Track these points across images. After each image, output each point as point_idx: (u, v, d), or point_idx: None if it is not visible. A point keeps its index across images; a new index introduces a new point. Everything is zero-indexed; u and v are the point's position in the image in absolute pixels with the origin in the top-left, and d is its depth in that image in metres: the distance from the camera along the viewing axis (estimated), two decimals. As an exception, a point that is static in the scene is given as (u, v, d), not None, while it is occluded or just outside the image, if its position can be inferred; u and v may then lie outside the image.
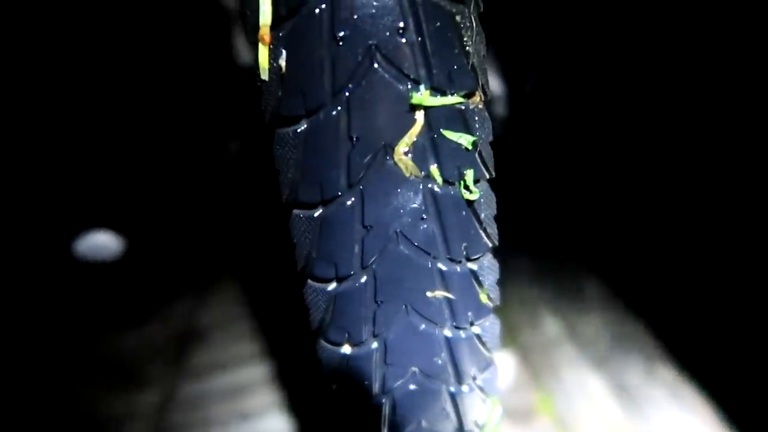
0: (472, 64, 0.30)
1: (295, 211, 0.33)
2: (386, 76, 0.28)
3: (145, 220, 0.91)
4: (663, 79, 1.03)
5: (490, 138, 0.33)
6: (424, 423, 0.39)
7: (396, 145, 0.30)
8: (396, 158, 0.30)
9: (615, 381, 0.71)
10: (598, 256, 0.96)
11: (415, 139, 0.30)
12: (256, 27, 0.29)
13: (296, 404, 0.76)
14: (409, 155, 0.30)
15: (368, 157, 0.30)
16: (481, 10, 0.31)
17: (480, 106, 0.31)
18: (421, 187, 0.31)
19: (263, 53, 0.29)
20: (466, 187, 0.32)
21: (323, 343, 0.37)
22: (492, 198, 0.34)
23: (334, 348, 0.37)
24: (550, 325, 0.83)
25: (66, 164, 0.87)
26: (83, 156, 0.88)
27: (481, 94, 0.31)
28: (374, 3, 0.27)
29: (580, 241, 1.01)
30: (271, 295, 1.02)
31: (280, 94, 0.30)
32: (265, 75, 0.30)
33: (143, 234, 0.87)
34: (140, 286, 0.99)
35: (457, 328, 0.36)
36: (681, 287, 0.83)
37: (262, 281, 1.07)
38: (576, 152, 1.22)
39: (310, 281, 0.35)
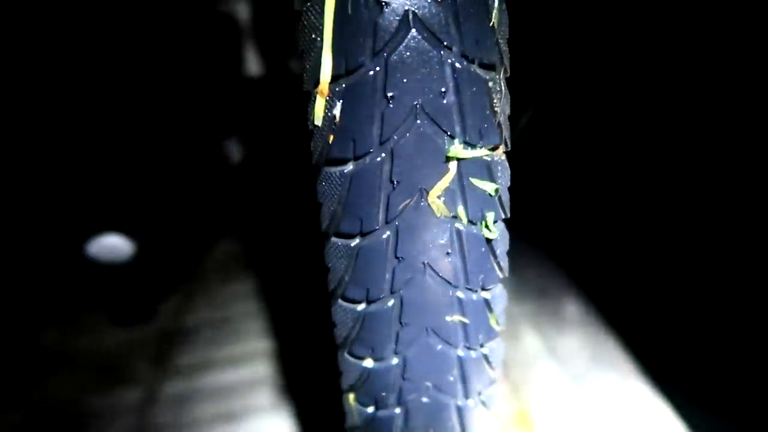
0: (499, 122, 0.35)
1: (334, 239, 0.37)
2: (427, 131, 0.33)
3: (151, 225, 0.94)
4: (651, 117, 1.08)
5: (509, 184, 0.38)
6: (431, 432, 0.43)
7: (431, 189, 0.34)
8: (430, 200, 0.35)
9: (592, 397, 0.75)
10: (578, 276, 1.01)
11: (447, 185, 0.34)
12: (316, 81, 0.33)
13: (281, 407, 0.78)
14: (441, 199, 0.35)
15: (406, 199, 0.34)
16: (509, 75, 0.36)
17: (503, 157, 0.36)
18: (448, 226, 0.35)
19: (320, 103, 0.34)
20: (487, 227, 0.36)
21: (346, 356, 0.41)
22: (506, 236, 0.39)
23: (357, 361, 0.41)
24: (531, 342, 0.87)
25: (82, 173, 0.90)
26: (98, 165, 0.90)
27: (504, 147, 0.36)
28: (421, 70, 0.32)
29: (560, 261, 1.05)
30: (258, 298, 1.05)
31: (331, 138, 0.34)
32: (319, 121, 0.34)
33: (149, 238, 0.90)
34: (138, 287, 1.01)
35: (469, 348, 0.40)
36: (657, 307, 0.88)
37: (251, 284, 1.09)
38: (556, 175, 1.27)
39: (340, 301, 0.39)
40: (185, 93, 1.08)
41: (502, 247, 0.38)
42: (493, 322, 0.40)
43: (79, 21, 0.89)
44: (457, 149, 0.33)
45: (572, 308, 0.93)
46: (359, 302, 0.38)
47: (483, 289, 0.38)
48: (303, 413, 0.77)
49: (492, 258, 0.38)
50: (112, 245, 0.82)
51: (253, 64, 1.24)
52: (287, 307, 1.00)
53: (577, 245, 1.08)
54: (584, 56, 1.10)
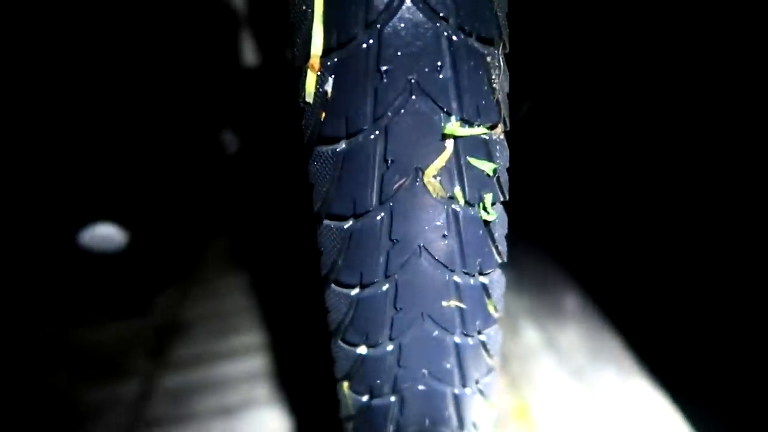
0: (497, 99, 0.34)
1: (326, 222, 0.36)
2: (422, 107, 0.32)
3: (144, 215, 0.93)
4: (652, 108, 1.07)
5: (507, 165, 0.36)
6: (427, 422, 0.42)
7: (426, 168, 0.33)
8: (425, 180, 0.33)
9: (590, 391, 0.75)
10: (577, 271, 1.00)
11: (444, 164, 0.33)
12: (307, 56, 0.32)
13: (278, 400, 0.78)
14: (438, 178, 0.33)
15: (400, 179, 0.33)
16: (507, 51, 0.34)
17: (501, 136, 0.35)
18: (445, 207, 0.34)
19: (311, 79, 0.32)
20: (485, 209, 0.35)
21: (340, 343, 0.40)
22: (505, 219, 0.38)
23: (351, 348, 0.40)
24: (530, 335, 0.87)
25: (75, 162, 0.89)
26: (92, 154, 0.90)
27: (503, 126, 0.35)
28: (416, 43, 0.31)
29: (560, 256, 1.05)
30: (256, 291, 1.04)
31: (323, 116, 0.33)
32: (310, 98, 0.33)
33: (142, 227, 0.89)
34: (134, 279, 1.01)
35: (466, 335, 0.39)
36: (657, 300, 0.87)
37: (248, 277, 1.09)
38: (556, 169, 1.26)
39: (333, 286, 0.38)
40: (181, 82, 1.07)
41: (500, 230, 0.37)
42: (491, 308, 0.39)
43: (72, 11, 0.88)
44: (453, 127, 0.32)
45: (571, 302, 0.92)
46: (353, 287, 0.37)
47: (481, 273, 0.37)
48: (301, 406, 0.77)
49: (490, 241, 0.37)
50: (105, 234, 0.81)
51: (249, 54, 1.23)
52: (285, 300, 0.99)
53: (576, 238, 1.08)
54: (585, 47, 1.09)
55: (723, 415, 0.66)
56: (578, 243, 1.06)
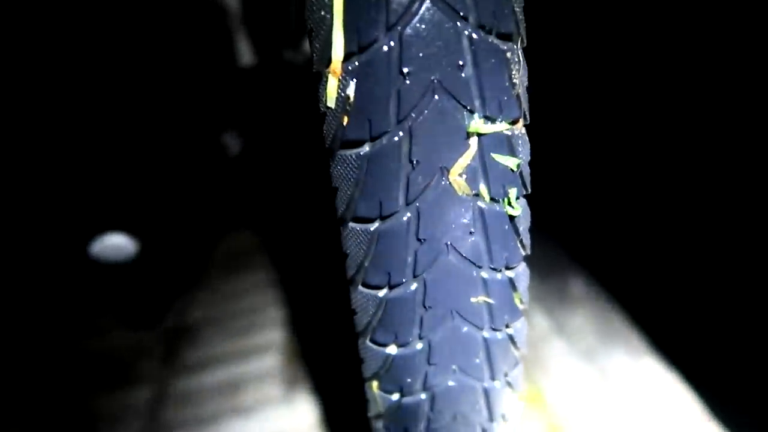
0: (518, 94, 0.34)
1: (352, 224, 0.36)
2: (446, 106, 0.32)
3: (154, 223, 0.93)
4: (652, 96, 1.07)
5: (529, 158, 0.36)
6: (458, 416, 0.42)
7: (451, 167, 0.33)
8: (451, 179, 0.33)
9: (601, 373, 0.76)
10: (584, 255, 1.00)
11: (468, 162, 0.33)
12: (327, 61, 0.32)
13: (293, 398, 0.78)
14: (463, 176, 0.33)
15: (426, 178, 0.33)
16: (525, 45, 0.34)
17: (523, 131, 0.35)
18: (471, 204, 0.34)
19: (333, 84, 0.32)
20: (510, 204, 0.35)
21: (369, 343, 0.40)
22: (528, 212, 0.38)
23: (380, 348, 0.40)
24: (539, 321, 0.87)
25: (86, 173, 0.89)
26: (101, 165, 0.89)
27: (524, 120, 0.35)
28: (437, 43, 0.31)
29: (566, 240, 1.05)
30: (263, 291, 1.04)
31: (345, 120, 0.33)
32: (332, 103, 0.33)
33: (152, 236, 0.89)
34: (145, 288, 1.01)
35: (495, 330, 0.39)
36: (663, 282, 0.88)
37: (255, 278, 1.09)
38: (562, 153, 1.27)
39: (361, 287, 0.38)
40: (181, 88, 1.06)
41: (524, 224, 0.37)
42: (517, 302, 0.39)
43: (75, 20, 0.87)
44: (477, 124, 0.32)
45: (578, 286, 0.92)
46: (381, 288, 0.37)
47: (507, 268, 0.37)
48: (315, 403, 0.77)
49: (515, 235, 0.37)
50: (116, 244, 0.81)
51: (248, 56, 1.23)
52: (292, 299, 0.99)
53: (580, 222, 1.08)
54: (586, 40, 1.09)
55: (733, 392, 0.67)
56: (583, 227, 1.07)
